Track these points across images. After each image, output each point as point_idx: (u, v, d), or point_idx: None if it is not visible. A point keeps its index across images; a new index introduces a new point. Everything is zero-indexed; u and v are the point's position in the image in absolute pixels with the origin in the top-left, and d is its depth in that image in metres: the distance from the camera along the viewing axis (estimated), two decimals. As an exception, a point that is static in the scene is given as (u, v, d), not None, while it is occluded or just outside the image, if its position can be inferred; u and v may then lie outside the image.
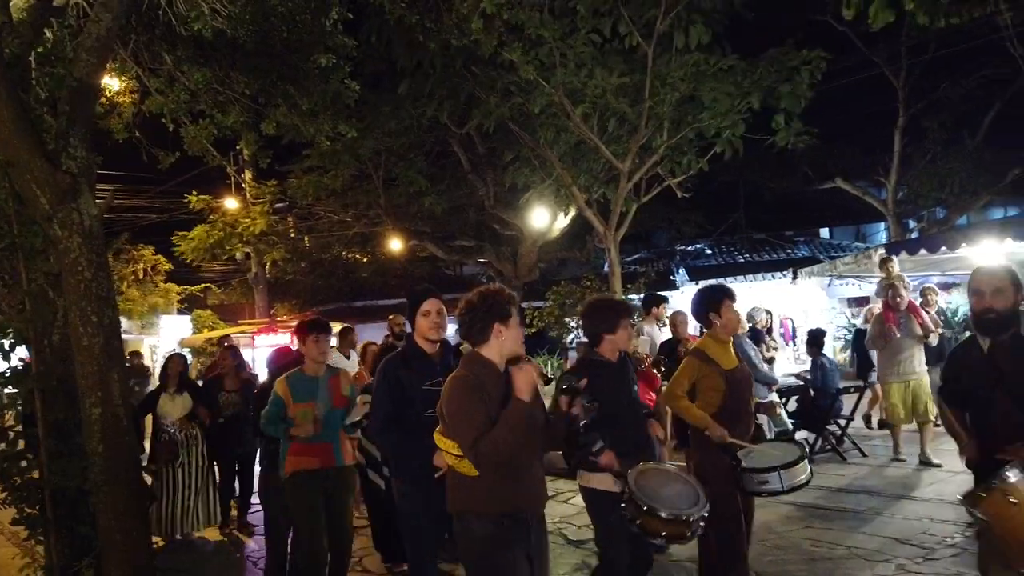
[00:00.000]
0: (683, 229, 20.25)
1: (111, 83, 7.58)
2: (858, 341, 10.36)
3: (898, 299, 7.84)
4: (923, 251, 9.03)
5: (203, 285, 22.71)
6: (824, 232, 25.74)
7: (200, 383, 7.83)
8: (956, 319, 11.50)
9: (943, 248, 8.91)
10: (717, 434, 3.91)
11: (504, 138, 11.84)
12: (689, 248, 22.18)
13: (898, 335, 7.76)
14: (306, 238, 18.95)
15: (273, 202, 17.76)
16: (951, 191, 16.22)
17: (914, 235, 16.42)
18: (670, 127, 9.25)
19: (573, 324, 13.78)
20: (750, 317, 8.91)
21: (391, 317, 8.87)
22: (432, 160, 14.75)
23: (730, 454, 3.87)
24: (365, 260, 20.52)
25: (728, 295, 4.16)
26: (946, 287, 15.34)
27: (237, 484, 7.32)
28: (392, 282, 21.17)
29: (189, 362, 19.63)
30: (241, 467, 7.26)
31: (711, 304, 4.14)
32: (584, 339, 5.59)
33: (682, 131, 9.16)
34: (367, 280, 21.38)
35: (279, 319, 19.03)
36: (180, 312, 21.09)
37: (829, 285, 15.44)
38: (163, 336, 19.58)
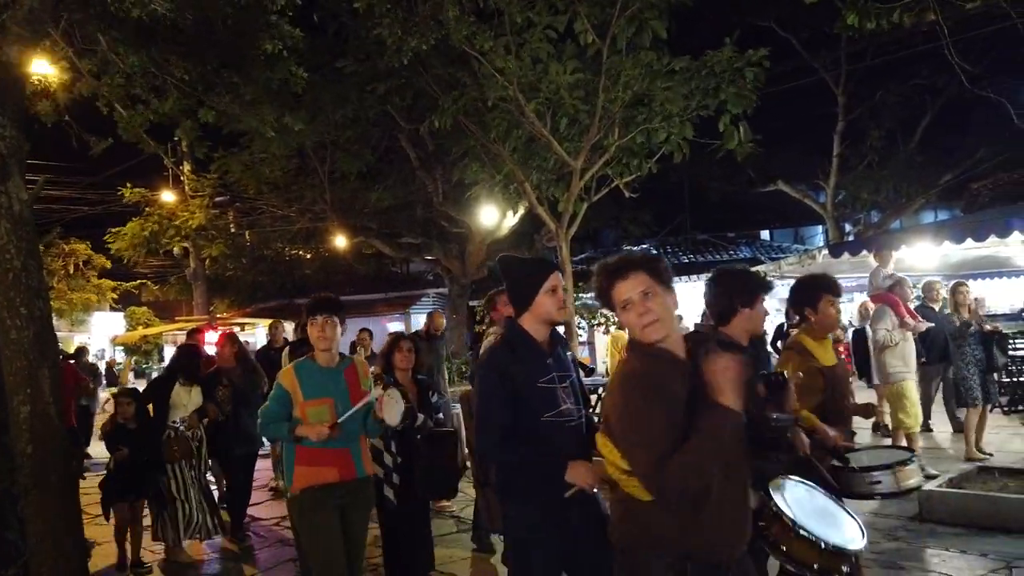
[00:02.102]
0: (630, 229, 20.44)
1: (41, 64, 7.15)
2: (857, 341, 9.69)
3: (907, 291, 7.43)
4: (864, 252, 9.26)
5: (139, 281, 21.95)
6: (764, 234, 26.41)
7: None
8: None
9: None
10: (829, 436, 3.35)
11: (454, 133, 11.72)
12: (635, 248, 22.42)
13: (923, 326, 7.25)
14: (248, 233, 18.46)
15: (213, 195, 17.24)
16: (887, 195, 16.78)
17: (850, 238, 16.90)
18: (621, 128, 9.27)
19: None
20: None
21: (271, 323, 8.67)
22: (380, 155, 14.52)
23: (837, 456, 3.35)
24: (309, 256, 20.12)
25: (826, 289, 3.66)
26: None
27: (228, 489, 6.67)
28: (336, 279, 20.80)
29: (121, 363, 18.91)
30: (242, 468, 6.52)
31: (807, 298, 3.66)
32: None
33: (632, 132, 9.19)
34: (311, 277, 20.95)
35: (219, 316, 18.48)
36: (113, 309, 20.31)
37: (773, 286, 15.76)
38: (95, 334, 18.81)
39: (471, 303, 16.52)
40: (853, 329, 8.53)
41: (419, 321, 21.60)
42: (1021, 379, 10.25)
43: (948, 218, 15.57)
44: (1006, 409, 9.79)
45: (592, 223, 17.76)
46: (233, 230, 18.09)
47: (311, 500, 3.60)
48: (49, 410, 4.18)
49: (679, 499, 2.10)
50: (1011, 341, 9.93)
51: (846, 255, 9.34)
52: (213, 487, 6.47)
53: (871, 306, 8.13)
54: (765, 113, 9.45)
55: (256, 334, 17.70)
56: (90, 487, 6.06)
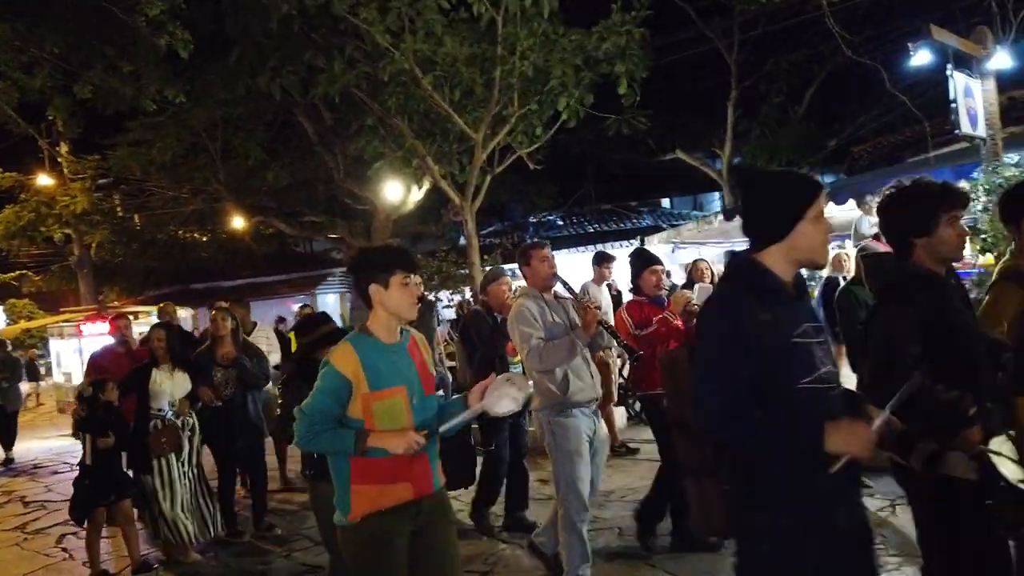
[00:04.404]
0: (536, 201, 20.54)
1: None
2: (828, 294, 9.04)
3: None
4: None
5: (18, 272, 20.53)
6: (665, 202, 27.10)
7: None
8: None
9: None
10: None
11: (351, 107, 11.39)
12: (542, 220, 22.59)
13: None
14: (136, 217, 17.49)
15: (95, 178, 16.22)
16: (780, 162, 17.46)
17: (746, 203, 17.53)
18: (521, 97, 9.24)
19: (432, 299, 13.63)
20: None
21: (162, 305, 8.12)
22: (275, 131, 13.97)
23: None
24: (205, 239, 19.26)
25: None
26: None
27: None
28: (237, 261, 20.02)
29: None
30: (247, 462, 5.89)
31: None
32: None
33: (531, 101, 9.18)
34: (208, 260, 20.07)
35: (109, 306, 17.51)
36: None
37: (673, 252, 16.22)
38: (-31, 330, 17.50)
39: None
40: (824, 280, 8.21)
41: (327, 302, 21.14)
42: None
43: (833, 181, 16.36)
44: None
45: (499, 196, 17.73)
46: (120, 214, 17.09)
47: (380, 530, 2.61)
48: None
49: None
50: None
51: (739, 218, 9.68)
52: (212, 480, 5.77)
53: (847, 256, 7.91)
54: (663, 82, 9.64)
55: (150, 323, 16.85)
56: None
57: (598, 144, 18.24)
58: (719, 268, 7.78)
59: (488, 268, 12.85)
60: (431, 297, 11.53)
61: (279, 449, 7.14)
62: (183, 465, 5.19)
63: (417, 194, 13.62)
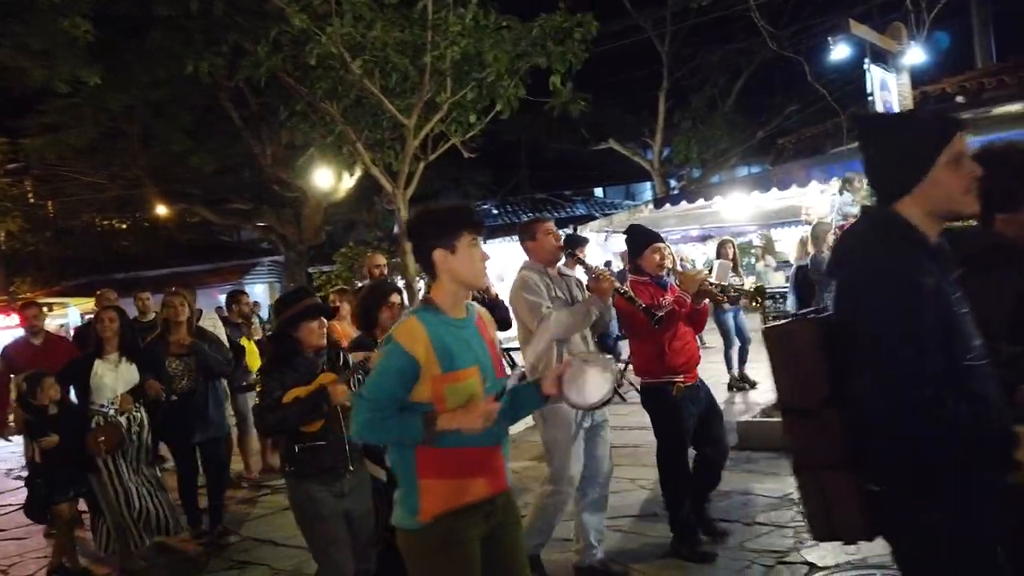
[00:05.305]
0: (470, 190, 20.47)
1: None
2: (799, 277, 8.42)
3: None
4: (684, 203, 9.84)
5: (-82, 262, 19.28)
6: (599, 191, 27.43)
7: None
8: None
9: (701, 200, 9.81)
10: None
11: (278, 92, 11.08)
12: (476, 208, 22.59)
13: None
14: (49, 203, 16.66)
15: (4, 163, 15.37)
16: (708, 153, 17.86)
17: (675, 192, 17.92)
18: (453, 84, 9.15)
19: (359, 284, 13.44)
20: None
21: (100, 292, 7.34)
22: (199, 115, 13.48)
23: None
24: (125, 227, 18.51)
25: None
26: (703, 239, 17.00)
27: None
28: (160, 250, 19.30)
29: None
30: (206, 458, 5.40)
31: None
32: None
33: (464, 88, 9.10)
34: (129, 249, 19.29)
35: (20, 297, 16.63)
36: None
37: (606, 240, 16.42)
38: None
39: (309, 270, 15.92)
40: (797, 266, 8.29)
41: (255, 292, 20.59)
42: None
43: (759, 171, 16.82)
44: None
45: (432, 184, 17.58)
46: (32, 200, 16.26)
47: (455, 531, 2.28)
48: None
49: None
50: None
51: (668, 207, 9.90)
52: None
53: (811, 242, 7.99)
54: (597, 72, 9.70)
55: (68, 315, 16.13)
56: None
57: (532, 132, 18.31)
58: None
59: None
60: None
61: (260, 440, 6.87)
62: (132, 463, 4.79)
63: (349, 181, 13.38)
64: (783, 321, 2.10)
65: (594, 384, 2.32)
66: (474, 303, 2.54)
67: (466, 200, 21.78)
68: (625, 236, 4.56)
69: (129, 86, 11.13)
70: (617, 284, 3.82)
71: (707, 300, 4.29)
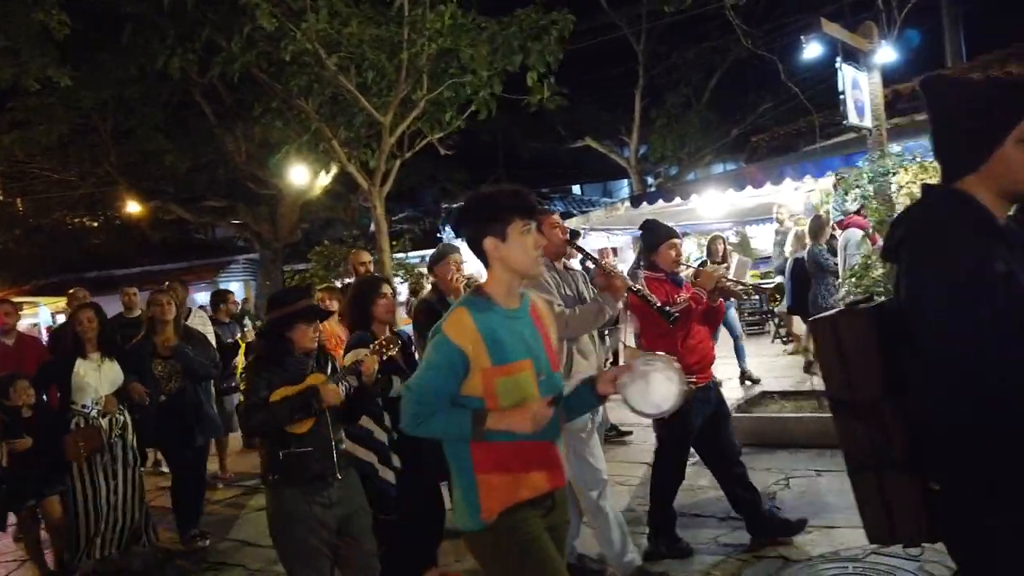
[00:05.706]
0: (447, 187, 20.40)
1: None
2: (795, 271, 8.34)
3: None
4: (661, 201, 9.92)
5: None
6: (576, 189, 27.51)
7: None
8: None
9: (677, 198, 9.89)
10: None
11: (253, 88, 10.96)
12: (454, 206, 22.49)
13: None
14: (18, 201, 16.33)
15: (-30, 160, 15.02)
16: (683, 151, 17.97)
17: (652, 190, 18.01)
18: (429, 82, 9.12)
19: (339, 285, 13.34)
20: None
21: (72, 291, 7.26)
22: (172, 111, 13.30)
23: None
24: (96, 225, 18.20)
25: None
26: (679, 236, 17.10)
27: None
28: (132, 249, 19.02)
29: None
30: (192, 466, 5.24)
31: None
32: None
33: (441, 86, 9.08)
34: (100, 247, 18.99)
35: (-11, 297, 16.31)
36: None
37: (583, 237, 16.47)
38: None
39: (284, 268, 15.78)
40: (793, 259, 8.16)
41: (230, 290, 20.36)
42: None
43: (733, 168, 16.97)
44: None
45: (409, 181, 17.51)
46: (0, 198, 15.93)
47: (523, 523, 2.21)
48: None
49: None
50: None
51: (645, 205, 9.97)
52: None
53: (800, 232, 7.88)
54: (573, 70, 9.71)
55: (38, 314, 15.86)
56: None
57: (509, 129, 18.28)
58: (627, 254, 8.05)
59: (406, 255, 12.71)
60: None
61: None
62: (104, 471, 4.62)
63: (324, 179, 13.27)
64: (831, 312, 2.01)
65: (661, 389, 2.22)
66: (530, 292, 2.41)
67: (443, 197, 21.73)
68: (640, 231, 4.49)
69: (101, 83, 10.94)
70: (630, 282, 3.74)
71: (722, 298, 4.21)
